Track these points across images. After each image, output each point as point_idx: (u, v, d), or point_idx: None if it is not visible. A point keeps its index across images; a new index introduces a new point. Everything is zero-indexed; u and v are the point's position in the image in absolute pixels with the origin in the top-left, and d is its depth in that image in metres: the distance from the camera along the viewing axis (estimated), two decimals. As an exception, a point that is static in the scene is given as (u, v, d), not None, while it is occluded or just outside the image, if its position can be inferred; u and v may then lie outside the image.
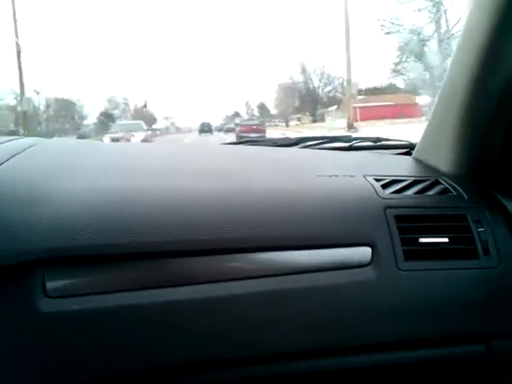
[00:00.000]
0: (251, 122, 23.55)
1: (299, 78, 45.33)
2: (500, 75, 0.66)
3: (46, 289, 0.53)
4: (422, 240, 0.65)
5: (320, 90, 44.63)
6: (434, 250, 0.65)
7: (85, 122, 36.98)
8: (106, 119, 36.36)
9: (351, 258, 0.63)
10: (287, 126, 39.48)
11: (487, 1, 0.63)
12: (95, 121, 38.79)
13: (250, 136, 17.25)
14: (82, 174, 0.65)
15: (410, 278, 0.63)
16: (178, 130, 55.52)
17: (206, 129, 36.01)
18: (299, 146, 1.12)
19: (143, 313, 0.55)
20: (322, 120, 36.73)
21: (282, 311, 0.60)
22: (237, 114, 58.30)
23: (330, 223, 0.64)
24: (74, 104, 36.54)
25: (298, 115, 45.94)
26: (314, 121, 41.40)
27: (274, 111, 50.24)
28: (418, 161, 0.90)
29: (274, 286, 0.59)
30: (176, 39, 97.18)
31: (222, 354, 0.59)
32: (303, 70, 45.23)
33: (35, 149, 0.75)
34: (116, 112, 41.84)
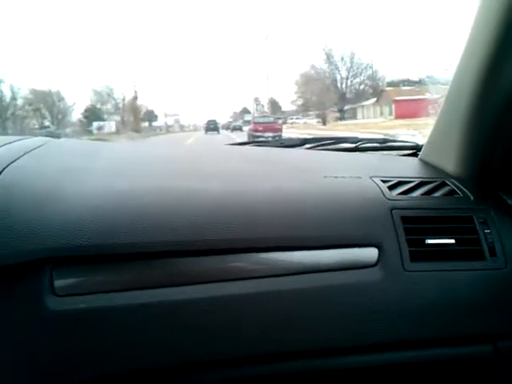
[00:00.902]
0: (266, 119, 20.68)
1: (323, 68, 39.84)
2: (507, 78, 0.67)
3: (54, 287, 0.55)
4: (429, 241, 0.66)
5: (348, 82, 39.08)
6: (440, 251, 0.66)
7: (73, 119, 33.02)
8: (92, 116, 33.03)
9: (357, 258, 0.64)
10: (324, 124, 30.66)
11: (495, 3, 0.64)
12: (81, 117, 35.66)
13: (265, 136, 14.87)
14: (90, 175, 0.67)
15: (416, 279, 0.64)
16: (183, 127, 52.08)
17: (212, 127, 34.27)
18: (305, 146, 1.12)
19: (149, 312, 0.56)
20: (352, 117, 32.62)
21: (288, 311, 0.61)
22: (245, 111, 55.17)
23: (336, 224, 0.65)
24: (51, 96, 31.76)
25: (317, 111, 39.78)
26: (341, 118, 36.41)
27: (287, 107, 45.90)
28: (424, 162, 0.90)
29: (281, 285, 0.60)
30: (181, 31, 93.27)
31: (225, 353, 0.60)
32: (328, 58, 39.78)
33: (44, 148, 0.76)
34: (108, 107, 38.27)
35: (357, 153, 1.09)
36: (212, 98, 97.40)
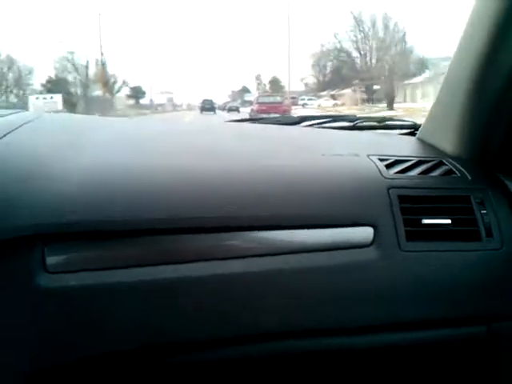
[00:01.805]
0: (271, 99, 18.44)
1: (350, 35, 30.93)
2: (507, 58, 0.67)
3: (46, 264, 0.54)
4: (425, 221, 0.66)
5: (381, 55, 29.03)
6: (436, 232, 0.66)
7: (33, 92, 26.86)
8: (55, 89, 25.75)
9: (353, 237, 0.64)
10: (391, 107, 21.48)
11: None
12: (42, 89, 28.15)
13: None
14: (82, 151, 0.66)
15: (412, 259, 0.64)
16: (175, 107, 48.31)
17: (207, 107, 32.86)
18: (303, 124, 1.12)
19: (141, 289, 0.57)
20: (383, 98, 24.86)
21: (282, 290, 0.61)
22: (245, 90, 51.39)
23: (332, 202, 0.65)
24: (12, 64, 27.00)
25: (335, 91, 33.13)
26: (370, 99, 29.01)
27: (291, 87, 41.36)
28: (422, 141, 0.90)
29: (275, 264, 0.61)
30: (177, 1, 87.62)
31: (220, 332, 0.60)
32: (357, 23, 30.73)
33: (36, 123, 0.76)
34: (76, 78, 29.01)
35: (355, 131, 1.08)
36: (209, 75, 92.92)
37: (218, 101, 45.44)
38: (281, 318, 0.61)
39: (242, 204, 0.61)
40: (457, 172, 0.74)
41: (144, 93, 43.30)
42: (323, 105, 31.00)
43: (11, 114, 0.80)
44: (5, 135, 0.64)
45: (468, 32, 0.73)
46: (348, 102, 29.23)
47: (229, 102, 43.84)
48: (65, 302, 0.55)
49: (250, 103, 20.95)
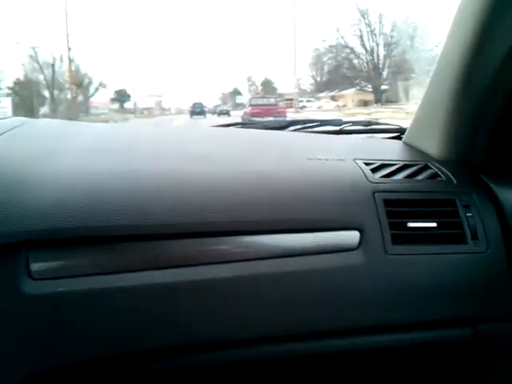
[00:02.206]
0: (265, 101, 17.21)
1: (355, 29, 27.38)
2: (490, 63, 0.68)
3: (30, 270, 0.54)
4: (411, 224, 0.67)
5: (388, 51, 26.31)
6: (422, 235, 0.67)
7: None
8: (24, 92, 22.75)
9: (339, 241, 0.65)
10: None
11: None
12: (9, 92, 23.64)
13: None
14: (67, 157, 0.66)
15: (398, 262, 0.65)
16: (163, 111, 46.57)
17: (198, 110, 32.00)
18: (290, 129, 1.12)
19: (129, 295, 0.57)
20: (394, 99, 21.90)
21: (268, 294, 0.61)
22: (237, 92, 49.70)
23: (318, 207, 0.65)
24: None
25: (336, 91, 29.96)
26: (378, 101, 25.34)
27: (283, 89, 39.52)
28: (408, 145, 0.92)
29: (262, 269, 0.61)
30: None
31: (206, 337, 0.60)
32: (363, 17, 27.39)
33: (21, 129, 0.76)
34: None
35: (341, 135, 1.10)
36: (199, 78, 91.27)
37: (209, 104, 43.95)
38: (269, 322, 0.62)
39: (228, 209, 0.61)
40: (442, 175, 0.75)
41: (129, 96, 41.25)
42: (325, 107, 27.97)
43: None
44: None
45: (451, 35, 0.74)
46: (350, 104, 27.21)
47: (219, 104, 42.34)
48: (50, 309, 0.54)
49: (243, 106, 19.42)
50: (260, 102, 16.54)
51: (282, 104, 18.50)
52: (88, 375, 0.58)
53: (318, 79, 35.09)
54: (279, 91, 37.17)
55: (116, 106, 38.46)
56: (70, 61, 24.23)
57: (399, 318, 0.65)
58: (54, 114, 21.76)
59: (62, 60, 25.47)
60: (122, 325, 0.56)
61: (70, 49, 24.01)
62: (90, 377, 0.58)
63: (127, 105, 40.25)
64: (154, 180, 0.62)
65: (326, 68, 33.10)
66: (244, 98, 29.50)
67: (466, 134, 0.76)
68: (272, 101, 17.36)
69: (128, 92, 40.94)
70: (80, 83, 26.70)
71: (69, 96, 24.98)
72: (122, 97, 40.26)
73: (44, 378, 0.55)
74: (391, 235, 0.65)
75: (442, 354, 0.71)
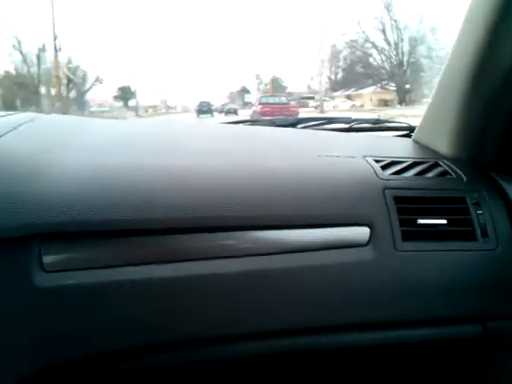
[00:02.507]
0: (276, 100, 16.39)
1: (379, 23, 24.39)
2: (501, 60, 0.68)
3: (42, 263, 0.55)
4: (421, 221, 0.67)
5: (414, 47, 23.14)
6: (432, 232, 0.68)
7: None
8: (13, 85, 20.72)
9: (349, 237, 0.65)
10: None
11: None
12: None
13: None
14: (77, 151, 0.67)
15: (408, 259, 0.65)
16: (169, 109, 45.77)
17: (204, 109, 30.21)
18: (299, 126, 1.13)
19: (138, 288, 0.57)
20: (417, 100, 19.38)
21: (278, 289, 0.62)
22: (245, 90, 48.34)
23: (328, 203, 0.66)
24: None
25: (352, 90, 27.43)
26: (402, 101, 22.71)
27: (293, 88, 38.04)
28: (417, 143, 0.92)
29: (272, 264, 0.61)
30: None
31: (217, 330, 0.61)
32: (388, 8, 24.17)
33: (32, 124, 0.77)
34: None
35: (351, 133, 1.10)
36: (205, 76, 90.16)
37: (216, 102, 42.84)
38: (276, 317, 0.62)
39: (237, 204, 0.61)
40: (452, 173, 0.75)
41: (133, 93, 39.95)
42: (341, 107, 25.64)
43: (8, 115, 0.81)
44: (1, 136, 0.65)
45: (463, 33, 0.74)
46: (368, 103, 25.41)
47: (227, 103, 41.39)
48: (61, 301, 0.55)
49: (251, 105, 18.56)
50: (270, 100, 15.83)
51: (293, 103, 17.67)
52: (97, 368, 0.59)
53: (333, 77, 33.70)
54: (289, 90, 36.11)
55: (120, 103, 37.25)
56: (57, 51, 20.42)
57: (408, 315, 0.66)
58: (39, 109, 19.21)
59: (44, 50, 22.72)
60: (132, 318, 0.57)
61: (56, 37, 20.32)
62: (99, 370, 0.59)
63: (131, 102, 39.14)
64: (163, 175, 0.63)
65: (342, 65, 31.37)
66: (252, 97, 28.65)
67: (476, 132, 0.76)
68: (283, 99, 16.79)
69: (132, 89, 39.86)
70: (70, 76, 24.19)
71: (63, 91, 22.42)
72: (125, 94, 39.00)
73: (55, 370, 0.56)
74: (401, 232, 0.65)
75: (451, 350, 0.71)
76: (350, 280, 0.63)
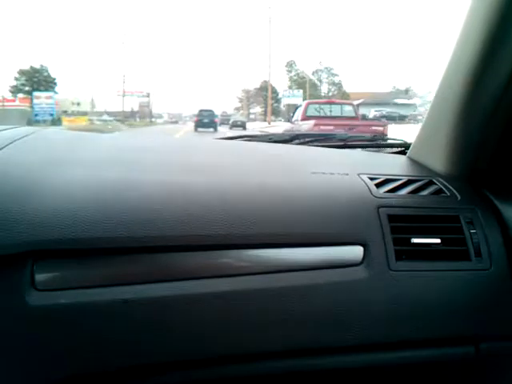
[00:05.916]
0: (338, 110, 9.93)
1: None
2: (495, 79, 0.71)
3: (35, 281, 0.55)
4: (415, 240, 0.68)
5: None
6: (425, 251, 0.69)
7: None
8: None
9: (343, 256, 0.66)
10: None
11: (485, 6, 0.68)
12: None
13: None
14: (73, 168, 0.68)
15: (401, 279, 0.66)
16: (149, 116, 39.04)
17: (205, 121, 23.56)
18: (294, 142, 1.15)
19: (132, 308, 0.58)
20: None
21: (271, 309, 0.62)
22: (264, 88, 40.54)
23: (322, 221, 0.67)
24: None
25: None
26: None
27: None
28: (412, 160, 0.93)
29: (264, 283, 0.62)
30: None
31: (211, 351, 0.61)
32: None
33: (27, 139, 0.78)
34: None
35: (346, 149, 1.12)
36: (210, 82, 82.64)
37: (229, 109, 35.24)
38: (270, 337, 0.62)
39: (232, 222, 0.62)
40: (446, 191, 0.76)
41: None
42: None
43: (5, 129, 0.82)
44: None
45: (456, 52, 0.76)
46: None
47: (229, 115, 33.82)
48: (54, 320, 0.55)
49: (291, 119, 10.81)
50: (327, 111, 9.45)
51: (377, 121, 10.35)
52: None
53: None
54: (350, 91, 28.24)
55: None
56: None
57: (402, 335, 0.66)
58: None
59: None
60: (125, 338, 0.57)
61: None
62: None
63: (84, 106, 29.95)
64: (158, 191, 0.64)
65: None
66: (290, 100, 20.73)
67: (470, 150, 0.78)
68: (349, 110, 9.82)
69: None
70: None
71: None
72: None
73: None
74: (395, 251, 0.66)
75: (443, 372, 0.72)
76: (344, 300, 0.63)
